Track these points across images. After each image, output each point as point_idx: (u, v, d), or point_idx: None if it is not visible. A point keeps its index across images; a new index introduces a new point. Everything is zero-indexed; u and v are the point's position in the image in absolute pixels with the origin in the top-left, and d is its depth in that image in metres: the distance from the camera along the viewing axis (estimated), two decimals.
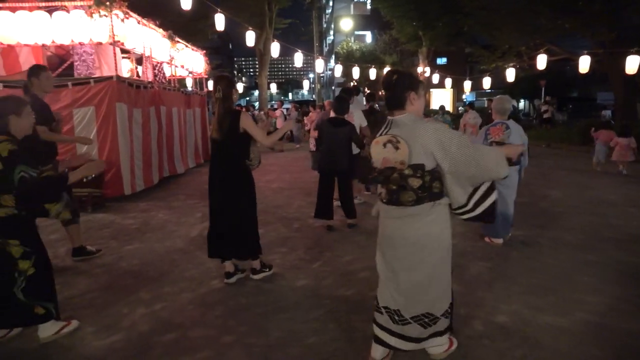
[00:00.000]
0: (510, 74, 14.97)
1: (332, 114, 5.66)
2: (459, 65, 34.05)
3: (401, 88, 2.45)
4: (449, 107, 31.56)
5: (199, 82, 13.14)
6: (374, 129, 7.64)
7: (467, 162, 2.33)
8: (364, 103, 8.27)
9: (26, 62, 8.04)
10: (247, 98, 68.49)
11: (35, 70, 4.35)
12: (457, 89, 30.32)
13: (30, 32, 6.90)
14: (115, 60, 7.38)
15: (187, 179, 9.58)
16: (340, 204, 5.67)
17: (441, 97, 33.73)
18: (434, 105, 24.10)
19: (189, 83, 13.49)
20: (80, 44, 7.27)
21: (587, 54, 12.20)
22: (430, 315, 2.50)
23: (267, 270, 4.03)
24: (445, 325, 2.58)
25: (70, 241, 4.52)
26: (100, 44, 7.24)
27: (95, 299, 3.62)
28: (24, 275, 2.87)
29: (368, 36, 39.44)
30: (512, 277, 3.91)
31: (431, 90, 32.31)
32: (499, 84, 21.66)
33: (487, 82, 16.57)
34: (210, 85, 18.09)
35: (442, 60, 35.18)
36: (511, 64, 15.67)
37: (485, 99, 25.44)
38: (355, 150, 5.86)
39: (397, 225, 2.46)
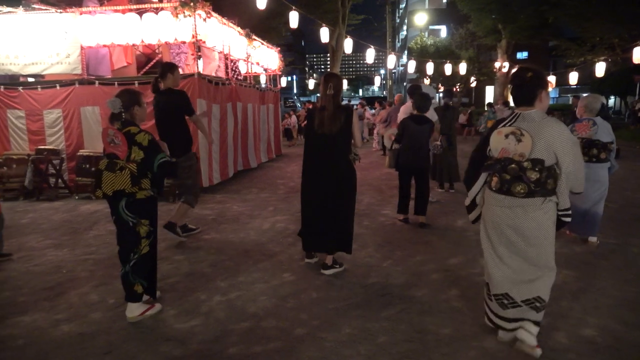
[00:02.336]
0: (600, 69, 13.83)
1: (414, 111, 5.58)
2: (541, 59, 31.98)
3: (534, 85, 2.58)
4: None
5: (273, 79, 13.45)
6: (448, 125, 7.47)
7: (580, 168, 2.54)
8: (435, 100, 8.07)
9: (118, 61, 8.68)
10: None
11: (170, 66, 4.94)
12: None
13: (123, 33, 7.41)
14: (195, 58, 7.74)
15: (260, 173, 9.87)
16: (415, 201, 5.59)
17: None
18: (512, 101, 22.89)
19: (263, 80, 13.85)
20: (167, 43, 7.70)
21: None
22: (542, 300, 2.63)
23: (339, 267, 4.05)
24: (541, 317, 2.69)
25: (174, 213, 4.93)
26: (184, 42, 7.62)
27: (176, 284, 3.83)
28: (139, 253, 3.17)
29: (443, 31, 38.23)
30: (602, 289, 3.62)
31: (510, 86, 30.71)
32: (586, 79, 20.11)
33: (573, 78, 15.42)
34: (284, 81, 18.50)
35: (522, 55, 33.30)
36: (602, 58, 14.49)
37: (570, 95, 23.76)
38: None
39: (506, 214, 2.60)
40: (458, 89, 28.06)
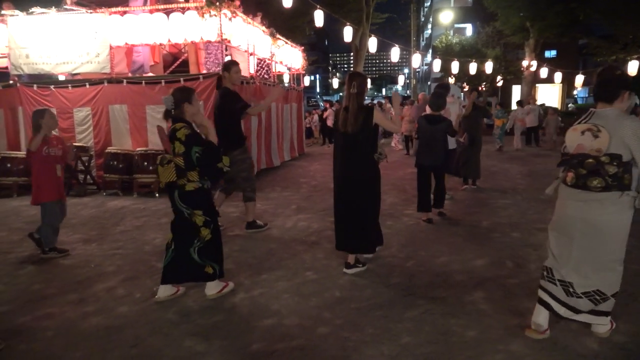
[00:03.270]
0: (633, 67, 13.40)
1: (428, 110, 5.60)
2: (570, 58, 31.13)
3: (619, 85, 2.63)
4: (557, 104, 29.11)
5: (296, 78, 13.48)
6: (473, 124, 7.37)
7: None
8: (461, 98, 8.01)
9: (145, 60, 8.84)
10: (341, 94, 69.11)
11: (228, 65, 5.09)
12: (568, 84, 27.83)
13: (150, 32, 7.54)
14: (223, 57, 7.82)
15: (283, 171, 9.90)
16: (433, 195, 5.71)
17: (548, 93, 31.19)
18: (540, 102, 22.32)
19: (286, 79, 13.90)
20: (192, 42, 7.80)
21: None
22: (601, 294, 2.68)
23: (361, 266, 4.03)
24: (611, 307, 2.75)
25: (246, 215, 5.30)
26: (210, 42, 7.71)
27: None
28: (202, 240, 3.38)
29: (469, 29, 37.61)
30: (633, 294, 3.49)
31: (537, 85, 29.99)
32: None
33: None
34: (307, 80, 18.51)
35: (551, 53, 32.46)
36: (635, 56, 14.02)
37: None
38: (452, 145, 5.92)
39: (580, 208, 2.65)
40: (484, 88, 27.57)
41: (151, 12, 7.63)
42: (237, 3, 7.50)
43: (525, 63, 22.85)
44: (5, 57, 8.19)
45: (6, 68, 8.37)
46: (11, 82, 8.35)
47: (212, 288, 3.52)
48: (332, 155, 4.14)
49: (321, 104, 30.32)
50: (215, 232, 3.45)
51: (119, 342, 2.90)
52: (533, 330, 2.85)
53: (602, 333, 2.83)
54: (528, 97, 17.70)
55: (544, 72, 18.82)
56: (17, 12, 8.03)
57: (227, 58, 7.53)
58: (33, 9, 7.91)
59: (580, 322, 2.94)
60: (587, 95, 39.47)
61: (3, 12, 8.11)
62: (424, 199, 5.62)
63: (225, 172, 3.43)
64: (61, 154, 4.60)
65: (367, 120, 3.77)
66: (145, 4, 8.33)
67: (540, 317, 2.83)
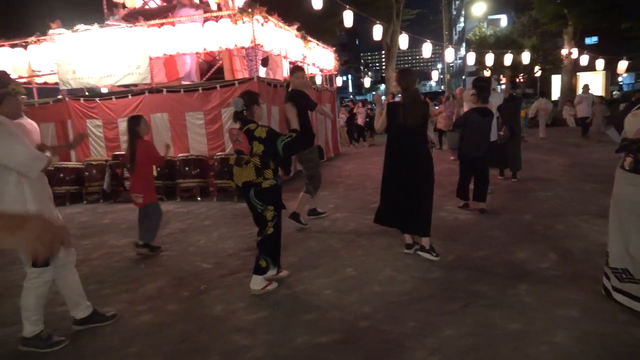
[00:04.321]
0: None
1: (472, 104, 5.73)
2: (612, 43, 29.74)
3: None
4: (600, 92, 27.90)
5: (329, 79, 13.57)
6: (512, 116, 7.28)
7: None
8: (497, 91, 7.92)
9: (194, 70, 9.13)
10: (373, 92, 68.69)
11: (292, 70, 5.50)
12: (611, 71, 26.65)
13: (187, 42, 7.80)
14: (257, 62, 8.01)
15: None
16: (474, 187, 5.80)
17: (591, 82, 29.97)
18: (580, 90, 21.45)
19: (318, 80, 14.00)
20: (227, 49, 8.02)
21: None
22: None
23: (434, 255, 4.17)
24: None
25: (297, 204, 5.47)
26: (244, 48, 7.90)
27: (244, 278, 3.99)
28: (265, 233, 3.61)
29: (503, 20, 36.69)
30: None
31: (578, 74, 28.86)
32: None
33: None
34: (339, 81, 18.56)
35: (591, 40, 31.18)
36: None
37: None
38: (493, 137, 6.05)
39: (637, 193, 2.68)
40: (521, 80, 26.81)
41: (201, 21, 7.86)
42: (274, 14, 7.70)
43: (564, 51, 22.07)
44: (55, 73, 8.68)
45: (56, 84, 8.87)
46: (60, 97, 8.84)
47: (257, 283, 3.65)
48: (365, 155, 4.29)
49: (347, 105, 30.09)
50: (276, 227, 3.67)
51: (169, 338, 3.05)
52: None
53: None
54: (567, 88, 17.09)
55: (584, 60, 18.13)
56: (63, 30, 8.50)
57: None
58: (77, 27, 8.36)
59: (630, 313, 2.87)
60: (633, 82, 37.67)
61: (51, 31, 8.61)
62: (465, 187, 5.87)
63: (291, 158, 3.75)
64: (155, 156, 4.89)
65: (425, 113, 4.19)
66: (197, 9, 8.56)
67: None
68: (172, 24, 7.86)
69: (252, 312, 3.34)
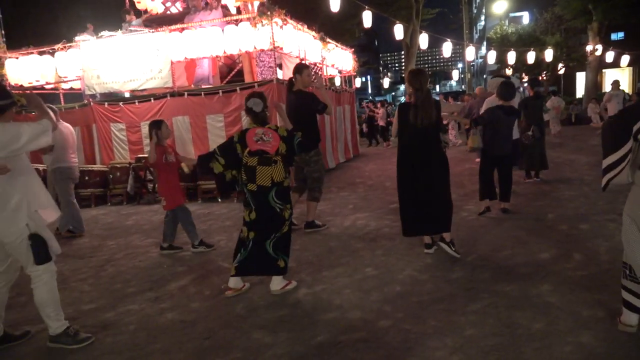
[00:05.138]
0: None
1: (496, 101, 5.63)
2: (639, 39, 29.01)
3: None
4: (627, 89, 27.15)
5: (348, 80, 13.57)
6: (539, 115, 7.17)
7: None
8: (520, 90, 7.80)
9: (209, 72, 9.26)
10: (393, 93, 68.38)
11: (299, 68, 5.33)
12: (638, 67, 25.90)
13: (208, 46, 7.92)
14: (275, 64, 8.07)
15: (338, 173, 10.02)
16: (499, 187, 5.64)
17: (617, 79, 29.19)
18: (607, 87, 20.86)
19: (337, 81, 14.02)
20: (247, 52, 8.10)
21: None
22: None
23: (453, 249, 4.19)
24: None
25: (307, 214, 5.46)
26: (263, 50, 7.97)
27: (264, 278, 4.00)
28: (280, 232, 3.60)
29: (525, 17, 36.01)
30: None
31: (603, 71, 28.15)
32: None
33: None
34: (358, 82, 18.55)
35: (617, 36, 30.39)
36: None
37: None
38: (515, 135, 5.96)
39: None
40: (545, 77, 26.29)
41: (222, 24, 7.98)
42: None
43: (589, 48, 21.56)
44: (80, 79, 8.92)
45: (80, 89, 9.12)
46: (85, 102, 9.08)
47: (278, 283, 3.67)
48: (385, 155, 4.28)
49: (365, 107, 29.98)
50: (290, 226, 3.72)
51: (193, 335, 3.11)
52: (626, 326, 2.71)
53: None
54: (592, 85, 16.69)
55: (610, 56, 17.68)
56: (88, 36, 8.73)
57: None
58: (102, 33, 8.58)
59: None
60: None
61: (77, 37, 8.85)
62: (489, 187, 5.61)
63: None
64: (175, 160, 4.96)
65: (438, 113, 4.14)
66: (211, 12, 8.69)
67: (631, 318, 2.69)
68: (195, 27, 7.98)
69: (273, 311, 3.37)
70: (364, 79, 44.72)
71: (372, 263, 4.20)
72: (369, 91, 57.84)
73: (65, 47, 8.84)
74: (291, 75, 5.39)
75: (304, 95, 5.16)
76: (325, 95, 5.50)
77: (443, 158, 4.24)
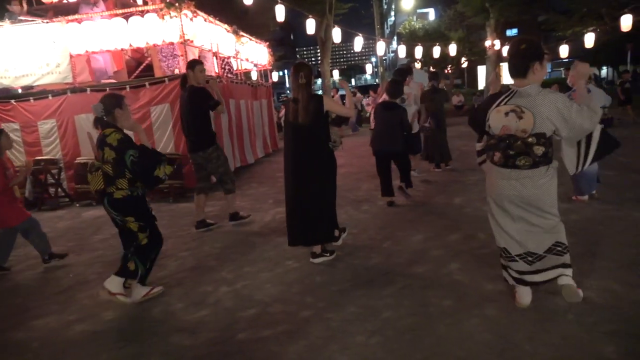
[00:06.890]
0: (590, 39, 13.79)
1: (385, 97, 5.81)
2: (531, 35, 31.61)
3: (527, 57, 2.64)
4: None
5: (264, 74, 13.46)
6: (438, 106, 7.57)
7: (580, 127, 2.62)
8: (427, 81, 8.13)
9: (109, 67, 8.69)
10: (338, 79, 68.92)
11: (192, 64, 5.07)
12: None
13: (110, 38, 7.43)
14: (186, 58, 7.77)
15: (257, 168, 9.93)
16: (400, 177, 5.87)
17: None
18: (506, 80, 22.78)
19: (254, 75, 13.86)
20: (155, 45, 7.71)
21: None
22: (561, 244, 2.78)
23: (328, 255, 4.02)
24: (569, 260, 2.82)
25: (228, 207, 5.46)
26: (172, 43, 7.64)
27: (183, 279, 3.90)
28: (139, 243, 3.42)
29: (431, 14, 38.08)
30: (600, 252, 3.68)
31: (501, 64, 30.57)
32: (578, 52, 20.05)
33: (564, 50, 15.36)
34: (275, 76, 18.47)
35: (512, 32, 33.17)
36: (591, 28, 14.46)
37: (562, 69, 23.70)
38: (415, 128, 6.18)
39: (513, 186, 2.72)
40: (450, 71, 27.99)
41: (110, 17, 7.51)
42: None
43: (488, 43, 23.26)
44: None
45: None
46: None
47: (116, 285, 3.32)
48: None
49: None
50: (152, 238, 3.47)
51: (107, 345, 2.92)
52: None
53: (571, 286, 2.81)
54: (492, 77, 17.96)
55: (506, 51, 19.18)
56: None
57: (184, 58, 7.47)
58: None
59: (547, 285, 3.10)
60: (550, 70, 40.45)
61: None
62: (386, 183, 5.68)
63: (163, 180, 3.38)
64: (14, 174, 4.50)
65: (318, 109, 3.78)
66: (93, 8, 8.13)
67: (524, 297, 2.86)
68: (93, 19, 7.44)
69: (191, 312, 3.27)
70: (281, 73, 44.54)
71: (293, 255, 4.22)
72: (287, 85, 57.77)
73: None
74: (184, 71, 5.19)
75: (195, 91, 5.00)
76: (218, 91, 5.24)
77: (327, 158, 3.89)
